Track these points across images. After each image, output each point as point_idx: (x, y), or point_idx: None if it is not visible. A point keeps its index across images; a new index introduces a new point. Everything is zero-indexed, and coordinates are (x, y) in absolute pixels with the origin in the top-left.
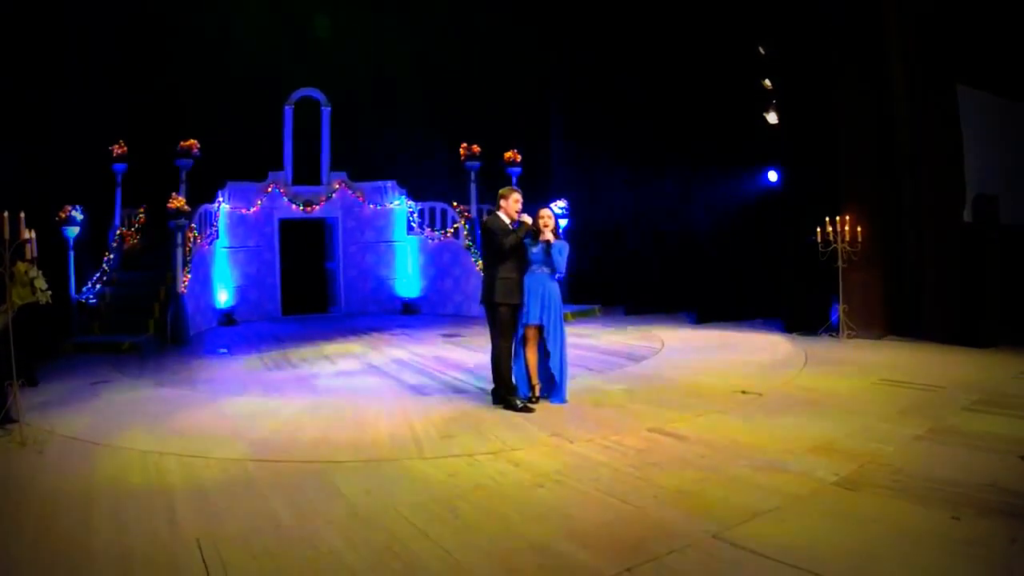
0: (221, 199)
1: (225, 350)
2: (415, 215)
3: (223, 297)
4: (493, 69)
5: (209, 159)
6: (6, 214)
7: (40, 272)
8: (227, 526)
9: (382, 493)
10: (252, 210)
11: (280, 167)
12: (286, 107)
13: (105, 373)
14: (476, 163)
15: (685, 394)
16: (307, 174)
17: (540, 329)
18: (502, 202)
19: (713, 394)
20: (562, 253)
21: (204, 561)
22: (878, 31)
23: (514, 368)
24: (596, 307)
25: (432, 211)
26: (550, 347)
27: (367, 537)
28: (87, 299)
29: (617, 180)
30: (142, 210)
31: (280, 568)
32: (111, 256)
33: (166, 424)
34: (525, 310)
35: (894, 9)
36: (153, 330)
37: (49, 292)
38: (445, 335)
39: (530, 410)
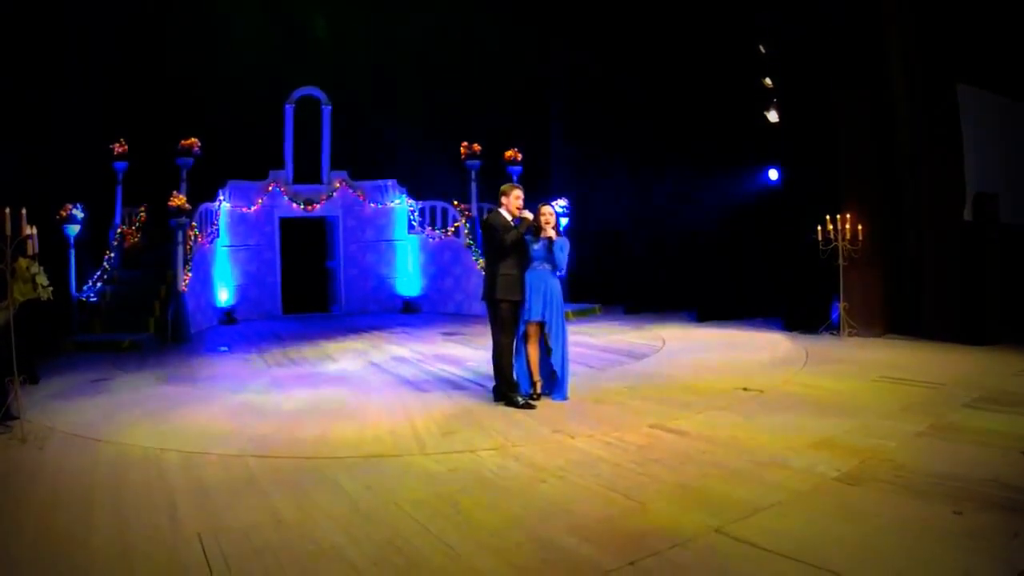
0: (222, 198)
1: (226, 348)
2: (416, 214)
3: (224, 296)
4: (493, 68)
5: (210, 158)
6: (8, 210)
7: (42, 268)
8: (228, 521)
9: (384, 489)
10: (253, 209)
11: (281, 166)
12: (287, 106)
13: (106, 371)
14: (477, 162)
15: (686, 391)
16: (308, 173)
17: (542, 326)
18: (503, 199)
19: (714, 391)
20: (563, 250)
21: (205, 555)
22: (878, 30)
23: (515, 365)
24: (596, 306)
25: (433, 210)
26: (552, 343)
27: (369, 532)
28: (88, 297)
29: (617, 179)
30: (143, 208)
31: (282, 563)
32: (112, 254)
33: (167, 420)
34: (527, 306)
35: (894, 8)
36: (154, 328)
37: (50, 288)
38: (446, 333)
39: (531, 407)
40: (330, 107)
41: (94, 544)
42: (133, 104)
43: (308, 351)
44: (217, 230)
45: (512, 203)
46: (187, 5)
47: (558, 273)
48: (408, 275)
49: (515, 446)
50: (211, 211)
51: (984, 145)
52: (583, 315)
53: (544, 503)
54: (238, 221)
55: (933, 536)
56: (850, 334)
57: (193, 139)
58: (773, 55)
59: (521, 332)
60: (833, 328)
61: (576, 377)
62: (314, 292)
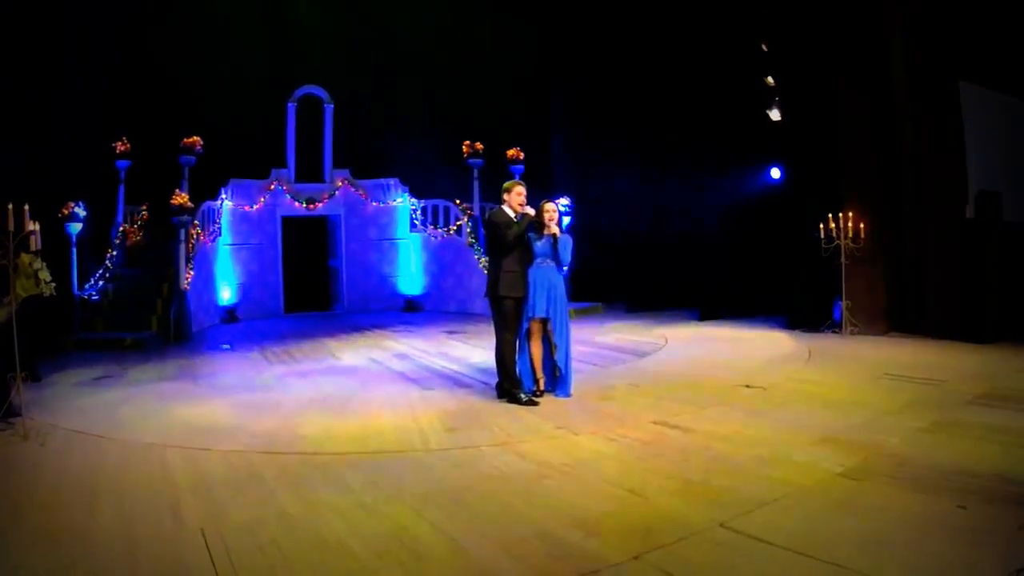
0: (224, 196)
1: (228, 346)
2: (418, 212)
3: (226, 294)
4: (495, 67)
5: (212, 156)
6: (11, 206)
7: (44, 264)
8: (232, 517)
9: (388, 484)
10: (255, 207)
11: (283, 164)
12: (289, 104)
13: (108, 368)
14: (479, 160)
15: (689, 388)
16: (310, 171)
17: (545, 322)
18: (505, 195)
19: (717, 388)
20: (567, 247)
21: (209, 551)
22: (880, 27)
23: (519, 362)
24: (598, 305)
25: (435, 208)
26: (556, 340)
27: (373, 527)
28: (90, 296)
29: (619, 178)
30: (145, 207)
31: (286, 557)
32: (114, 253)
33: (169, 417)
34: (531, 303)
35: (896, 5)
36: (156, 327)
37: (53, 284)
38: (448, 331)
39: (535, 403)
40: (332, 106)
41: (97, 540)
42: (134, 103)
43: (310, 349)
44: (219, 228)
45: (514, 199)
46: (188, 5)
47: (562, 269)
48: (410, 274)
49: (519, 442)
50: (213, 209)
51: (986, 143)
52: (585, 314)
53: (548, 498)
54: (240, 220)
55: (937, 530)
56: (852, 332)
57: (195, 137)
58: (775, 52)
59: (524, 329)
60: (835, 326)
61: (579, 375)
62: (316, 291)
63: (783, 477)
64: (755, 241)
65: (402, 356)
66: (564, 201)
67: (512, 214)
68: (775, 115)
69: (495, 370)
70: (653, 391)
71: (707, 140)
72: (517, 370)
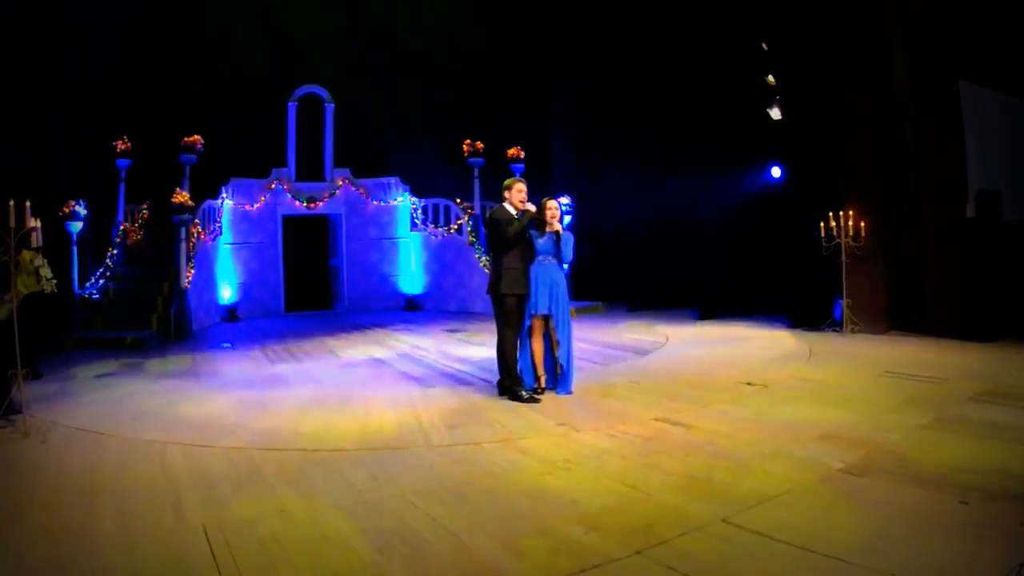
0: (225, 195)
1: (229, 344)
2: (418, 211)
3: (226, 293)
4: (495, 66)
5: (212, 155)
6: (12, 202)
7: (45, 261)
8: (233, 513)
9: (389, 480)
10: (255, 206)
11: (284, 164)
12: (289, 103)
13: (109, 366)
14: (480, 159)
15: (690, 386)
16: (310, 170)
17: (547, 320)
18: (506, 193)
19: (718, 386)
20: (569, 244)
21: (210, 546)
22: (880, 27)
23: (520, 359)
24: (599, 304)
25: (436, 207)
26: (559, 336)
27: (375, 522)
28: (90, 294)
29: (619, 177)
30: (145, 206)
31: (287, 552)
32: (114, 251)
33: (170, 415)
34: (533, 300)
35: (896, 5)
36: (156, 325)
37: (54, 281)
38: (449, 330)
39: (536, 400)
40: (333, 105)
41: (98, 537)
42: (134, 103)
43: (311, 347)
44: (220, 227)
45: (515, 197)
46: (188, 5)
47: (564, 265)
48: (411, 273)
49: (520, 439)
50: (214, 208)
51: (986, 142)
52: (586, 312)
53: (550, 494)
54: (241, 219)
55: (939, 525)
56: (853, 331)
57: (196, 136)
58: (775, 51)
59: (526, 326)
60: (836, 325)
61: (580, 372)
62: (317, 290)
63: (785, 473)
64: (756, 240)
65: (403, 354)
66: (565, 200)
67: (513, 211)
68: (775, 114)
69: (496, 368)
70: (654, 388)
71: (707, 139)
72: (518, 367)
